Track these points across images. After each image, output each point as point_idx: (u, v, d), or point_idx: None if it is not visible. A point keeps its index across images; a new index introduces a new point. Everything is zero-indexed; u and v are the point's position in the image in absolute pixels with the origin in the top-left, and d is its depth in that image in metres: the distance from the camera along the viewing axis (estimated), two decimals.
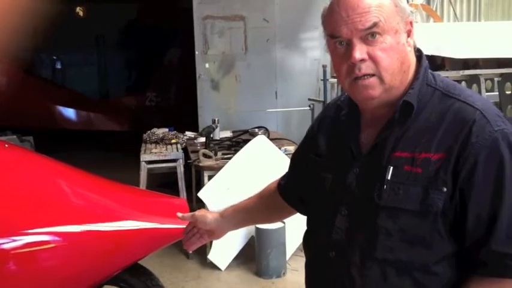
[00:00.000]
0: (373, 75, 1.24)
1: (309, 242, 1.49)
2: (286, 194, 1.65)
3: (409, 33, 1.27)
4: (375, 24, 1.21)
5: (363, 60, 1.23)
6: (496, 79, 5.48)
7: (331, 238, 1.33)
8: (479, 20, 7.47)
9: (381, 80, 1.24)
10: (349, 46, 1.24)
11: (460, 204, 1.19)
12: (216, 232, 1.74)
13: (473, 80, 5.28)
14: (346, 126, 1.38)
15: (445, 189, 1.19)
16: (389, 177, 1.24)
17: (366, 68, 1.23)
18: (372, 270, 1.26)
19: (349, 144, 1.35)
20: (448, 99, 1.26)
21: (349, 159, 1.34)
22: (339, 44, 1.26)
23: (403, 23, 1.26)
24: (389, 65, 1.23)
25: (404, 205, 1.22)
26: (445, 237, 1.21)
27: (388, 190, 1.24)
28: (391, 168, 1.24)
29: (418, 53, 1.33)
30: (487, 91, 5.34)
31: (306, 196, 1.53)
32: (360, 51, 1.22)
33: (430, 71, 1.33)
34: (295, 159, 1.65)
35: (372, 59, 1.23)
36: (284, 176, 1.69)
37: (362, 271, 1.27)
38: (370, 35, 1.22)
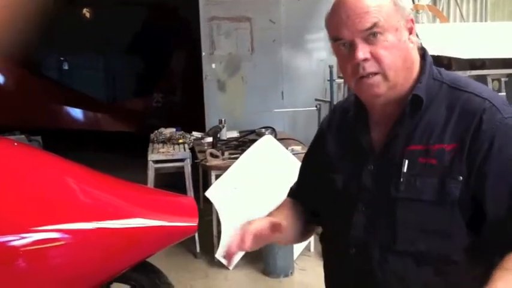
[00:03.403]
0: (377, 73, 1.26)
1: (327, 243, 1.50)
2: (299, 198, 1.59)
3: (410, 31, 1.30)
4: (375, 24, 1.24)
5: (366, 59, 1.25)
6: (503, 79, 5.49)
7: (350, 235, 1.35)
8: (486, 21, 7.46)
9: (385, 77, 1.27)
10: (352, 47, 1.26)
11: (477, 190, 1.22)
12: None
13: (480, 80, 5.27)
14: (355, 126, 1.40)
15: (460, 178, 1.22)
16: (405, 170, 1.27)
17: (370, 66, 1.26)
18: (392, 263, 1.29)
19: (361, 143, 1.37)
20: (455, 92, 1.30)
21: (362, 158, 1.36)
22: (342, 45, 1.29)
23: (404, 20, 1.28)
24: (392, 63, 1.26)
25: (421, 196, 1.25)
26: (463, 226, 1.24)
27: (404, 182, 1.27)
28: (407, 161, 1.27)
29: (422, 50, 1.36)
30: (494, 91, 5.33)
31: (318, 200, 1.51)
32: (362, 51, 1.25)
33: (434, 66, 1.36)
34: (304, 164, 1.63)
35: (375, 57, 1.25)
36: (295, 183, 1.64)
37: (382, 265, 1.30)
38: (371, 34, 1.25)
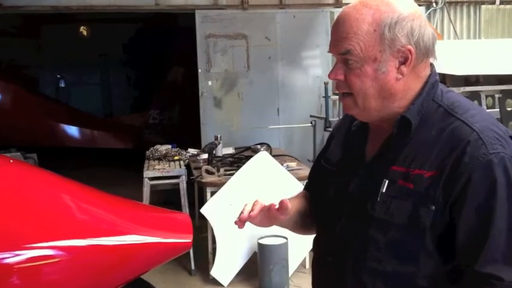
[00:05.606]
0: (350, 94, 1.29)
1: (314, 245, 1.52)
2: (309, 192, 1.65)
3: (404, 61, 1.25)
4: (348, 52, 1.26)
5: (338, 79, 1.30)
6: (496, 96, 5.51)
7: (330, 243, 1.38)
8: (479, 38, 7.51)
9: (355, 102, 1.29)
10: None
11: (450, 221, 1.20)
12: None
13: (474, 96, 5.31)
14: (355, 136, 1.42)
15: (433, 208, 1.20)
16: (384, 190, 1.27)
17: (342, 87, 1.31)
18: (363, 278, 1.30)
19: (355, 154, 1.39)
20: (449, 117, 1.26)
21: (353, 169, 1.37)
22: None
23: (392, 51, 1.24)
24: (360, 90, 1.27)
25: (393, 219, 1.25)
26: (433, 253, 1.23)
27: (380, 202, 1.27)
28: (387, 181, 1.27)
29: (430, 69, 1.33)
30: (488, 108, 5.37)
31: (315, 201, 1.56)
32: (335, 72, 1.30)
33: (442, 87, 1.33)
34: (315, 163, 1.66)
35: (346, 81, 1.28)
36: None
37: (353, 278, 1.31)
38: (345, 59, 1.27)
